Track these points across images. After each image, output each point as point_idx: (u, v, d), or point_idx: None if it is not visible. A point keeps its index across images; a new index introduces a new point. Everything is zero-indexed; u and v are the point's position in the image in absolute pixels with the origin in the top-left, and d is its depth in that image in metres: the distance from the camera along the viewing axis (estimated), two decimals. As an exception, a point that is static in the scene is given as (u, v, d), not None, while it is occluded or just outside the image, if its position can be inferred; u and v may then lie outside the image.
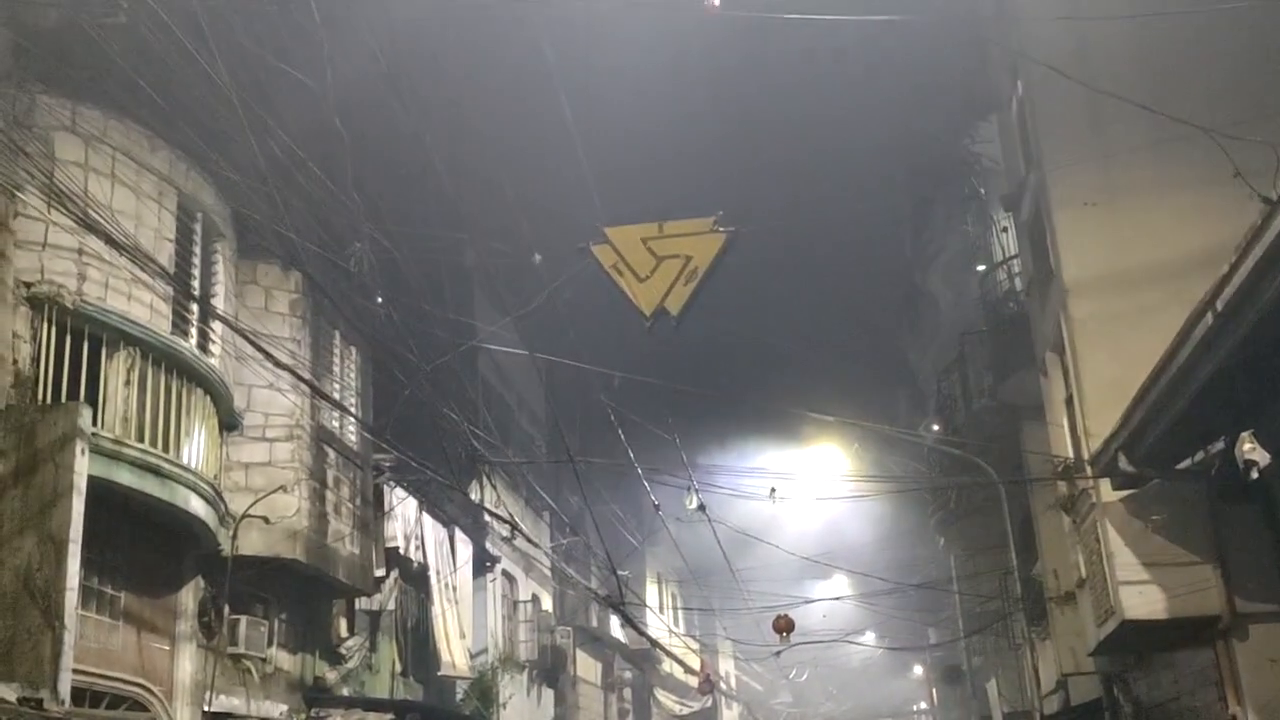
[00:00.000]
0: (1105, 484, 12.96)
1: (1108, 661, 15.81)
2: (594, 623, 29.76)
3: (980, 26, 17.42)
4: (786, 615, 23.27)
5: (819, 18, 11.64)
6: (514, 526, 16.47)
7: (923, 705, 51.04)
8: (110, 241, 9.12)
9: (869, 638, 39.99)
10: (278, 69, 9.87)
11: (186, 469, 11.22)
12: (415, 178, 12.82)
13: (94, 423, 9.88)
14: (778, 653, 25.79)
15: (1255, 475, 9.76)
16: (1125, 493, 12.73)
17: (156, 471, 10.75)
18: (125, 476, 10.37)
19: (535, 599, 24.55)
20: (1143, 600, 12.47)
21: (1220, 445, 10.90)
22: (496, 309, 20.38)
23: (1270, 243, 7.73)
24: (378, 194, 12.70)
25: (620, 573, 19.32)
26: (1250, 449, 9.70)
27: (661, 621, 35.23)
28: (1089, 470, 13.48)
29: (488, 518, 19.29)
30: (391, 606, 17.03)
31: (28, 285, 10.02)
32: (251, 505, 12.62)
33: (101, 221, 9.14)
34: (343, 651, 15.43)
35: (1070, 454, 15.25)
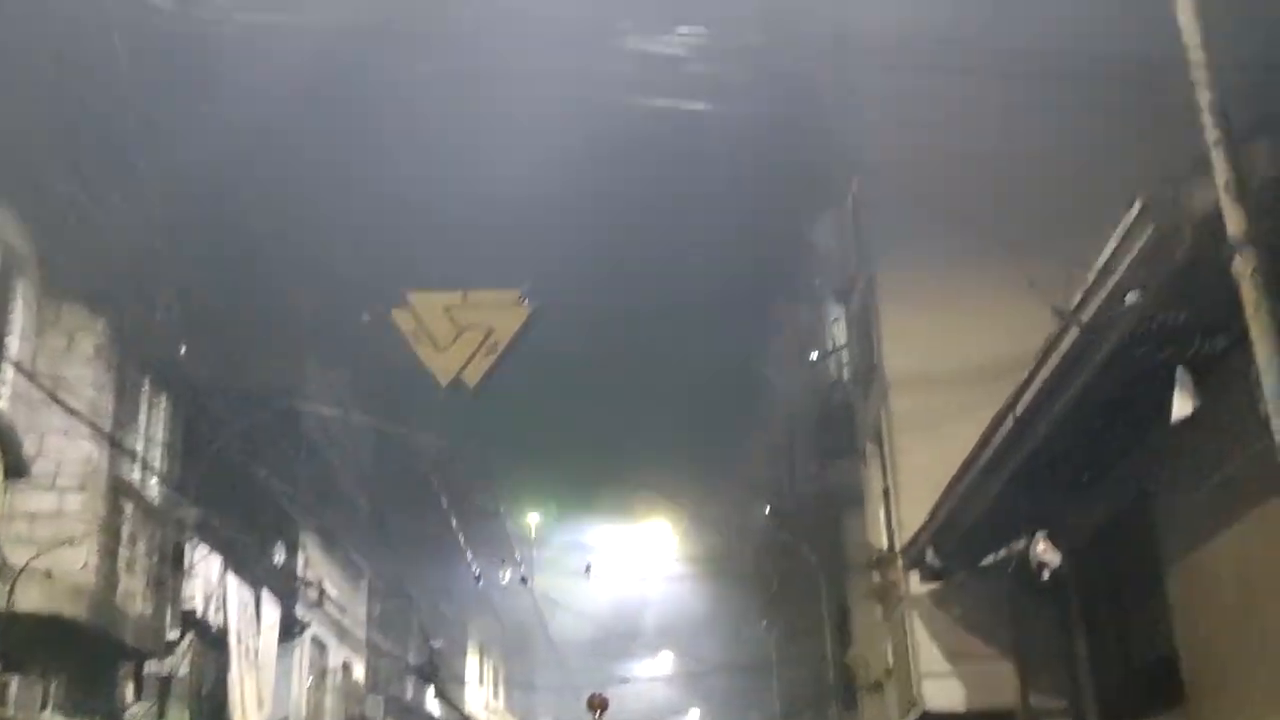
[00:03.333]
0: (915, 576, 13.21)
1: (911, 751, 16.01)
2: (409, 693, 28.92)
3: (822, 123, 17.90)
4: (600, 694, 22.94)
5: (662, 104, 11.77)
6: (320, 592, 15.91)
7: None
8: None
9: (694, 715, 39.86)
10: (92, 105, 9.47)
11: (-40, 516, 10.51)
12: (243, 224, 12.45)
13: None
14: (593, 731, 25.38)
15: (1046, 576, 10.06)
16: (933, 585, 12.99)
17: (-75, 518, 10.04)
18: (-112, 522, 9.64)
19: (346, 667, 23.70)
20: (943, 692, 12.69)
21: (1021, 544, 11.20)
22: (326, 365, 19.87)
23: (1063, 355, 8.02)
24: (204, 239, 12.26)
25: (435, 644, 18.85)
26: (1043, 550, 10.01)
27: (481, 694, 34.48)
28: (899, 562, 13.73)
29: (297, 581, 18.61)
30: (185, 671, 16.18)
31: None
32: (33, 558, 11.85)
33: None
34: (127, 719, 14.57)
35: (885, 544, 15.53)
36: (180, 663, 15.83)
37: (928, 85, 12.46)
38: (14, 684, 11.99)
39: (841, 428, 18.53)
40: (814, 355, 21.44)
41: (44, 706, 12.63)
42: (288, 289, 12.05)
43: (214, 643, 16.89)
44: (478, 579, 17.97)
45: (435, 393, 9.49)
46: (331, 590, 17.77)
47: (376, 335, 13.52)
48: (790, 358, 23.57)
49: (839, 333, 19.78)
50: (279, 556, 16.39)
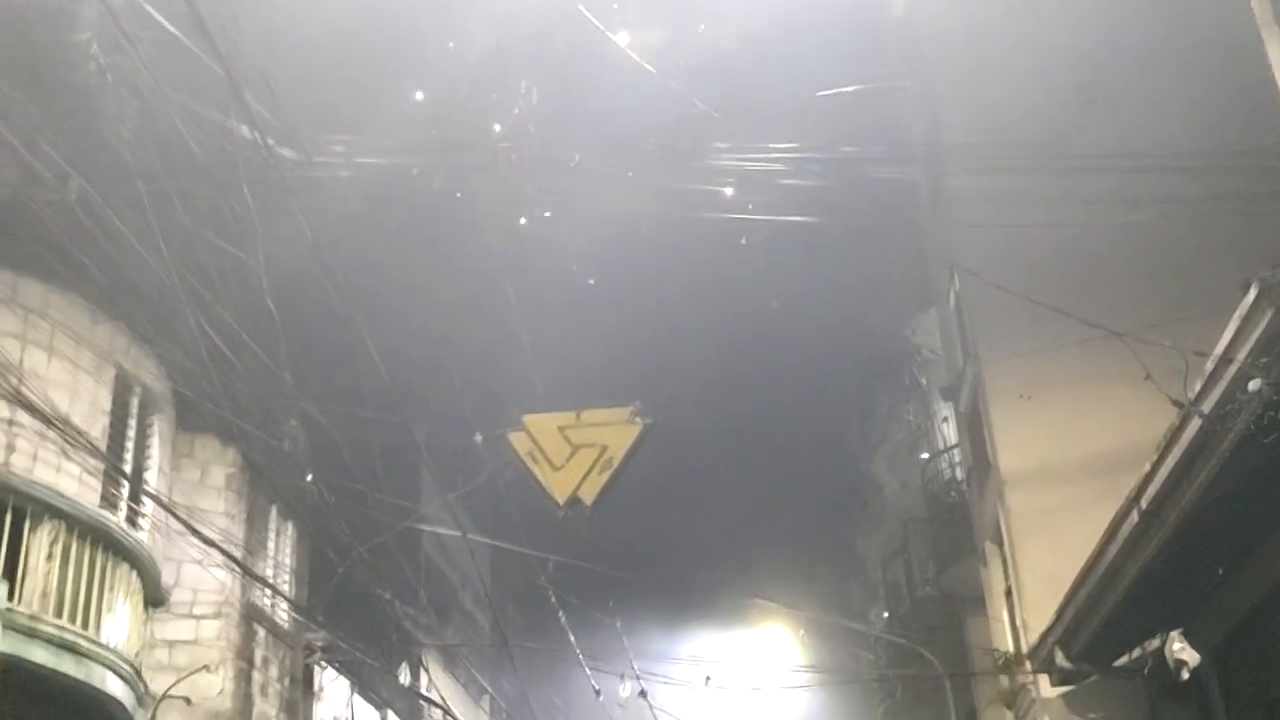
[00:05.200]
0: (1045, 679, 12.85)
1: None
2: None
3: (919, 222, 18.02)
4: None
5: (759, 219, 12.05)
6: (446, 711, 15.99)
7: None
8: (40, 415, 9.06)
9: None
10: (220, 249, 10.01)
11: (105, 647, 10.89)
12: (358, 357, 12.91)
13: (10, 598, 9.64)
14: None
15: (1186, 675, 9.73)
16: (1064, 688, 12.62)
17: (74, 649, 10.43)
18: (40, 655, 10.05)
19: (471, 786, 23.66)
20: (1082, 800, 12.25)
21: (1155, 643, 10.87)
22: (443, 487, 20.20)
23: (1186, 445, 7.90)
24: (321, 374, 12.72)
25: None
26: (1180, 649, 9.70)
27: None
28: (1027, 665, 13.39)
29: (422, 702, 18.74)
30: (318, 793, 16.34)
31: (-48, 455, 9.90)
32: (173, 685, 12.22)
33: (33, 398, 9.09)
34: (262, 842, 14.72)
35: (1010, 647, 15.15)
36: (313, 785, 16.00)
37: (1025, 181, 12.55)
38: (155, 812, 12.27)
39: (958, 528, 18.26)
40: (924, 455, 21.23)
41: (183, 834, 12.87)
42: (404, 416, 12.39)
43: (343, 765, 17.06)
44: (597, 694, 17.88)
45: (548, 511, 9.68)
46: (455, 709, 17.86)
47: (490, 457, 13.84)
48: (900, 459, 23.35)
49: (949, 431, 19.59)
50: (404, 677, 16.55)
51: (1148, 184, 11.17)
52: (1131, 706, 12.16)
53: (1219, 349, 7.59)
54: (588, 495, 8.87)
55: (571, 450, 8.94)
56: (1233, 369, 7.39)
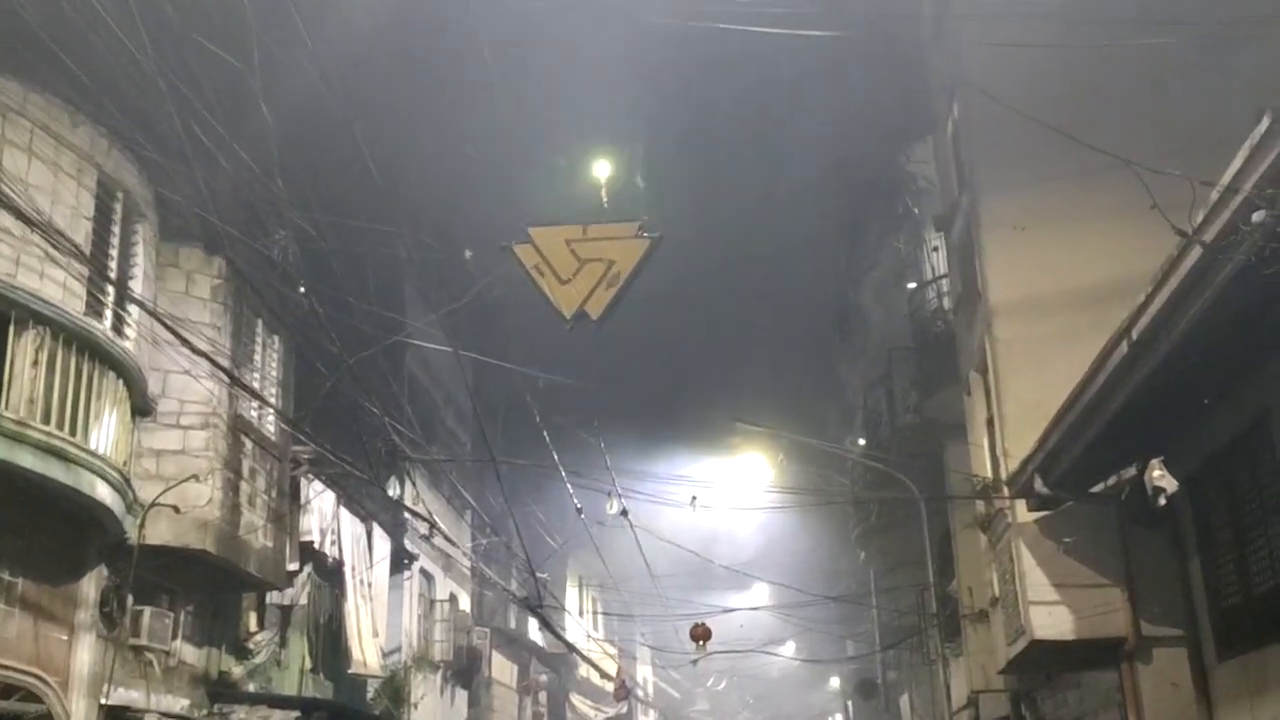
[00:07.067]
0: (1021, 504, 13.12)
1: (1017, 680, 16.01)
2: (512, 624, 29.58)
3: (919, 48, 17.58)
4: (703, 624, 23.28)
5: (756, 30, 11.67)
6: (432, 524, 16.28)
7: (839, 718, 51.44)
8: (22, 218, 8.86)
9: (790, 648, 40.20)
10: (207, 51, 9.66)
11: (93, 454, 10.92)
12: (347, 169, 12.66)
13: (-3, 403, 9.60)
14: (694, 661, 25.84)
15: (1163, 502, 9.94)
16: (1040, 514, 12.90)
17: (61, 455, 10.45)
18: (28, 459, 10.07)
19: (453, 598, 24.33)
20: (1052, 621, 12.62)
21: (1132, 471, 11.06)
22: (428, 304, 20.15)
23: (1184, 275, 7.86)
24: (308, 184, 12.47)
25: (540, 575, 19.22)
26: (1159, 476, 9.87)
27: (581, 625, 35.12)
28: (1006, 490, 13.64)
29: (406, 515, 19.09)
30: (303, 602, 16.75)
31: (-67, 258, 9.71)
32: (161, 494, 12.33)
33: (14, 197, 8.88)
34: (251, 646, 15.14)
35: (989, 473, 15.42)
36: (300, 593, 16.41)
37: None
38: (146, 614, 12.55)
39: (942, 357, 18.37)
40: (912, 284, 21.21)
41: (174, 636, 13.21)
42: (395, 228, 12.22)
43: (330, 575, 17.46)
44: (579, 511, 18.21)
45: (533, 331, 9.65)
46: (438, 524, 18.20)
47: (479, 276, 13.76)
48: (888, 287, 23.35)
49: (939, 261, 19.53)
50: (390, 491, 16.78)
51: (1161, 5, 10.85)
52: (1104, 532, 12.46)
53: (1225, 178, 7.48)
54: (594, 309, 8.81)
55: (578, 264, 8.85)
56: (1238, 199, 7.30)
